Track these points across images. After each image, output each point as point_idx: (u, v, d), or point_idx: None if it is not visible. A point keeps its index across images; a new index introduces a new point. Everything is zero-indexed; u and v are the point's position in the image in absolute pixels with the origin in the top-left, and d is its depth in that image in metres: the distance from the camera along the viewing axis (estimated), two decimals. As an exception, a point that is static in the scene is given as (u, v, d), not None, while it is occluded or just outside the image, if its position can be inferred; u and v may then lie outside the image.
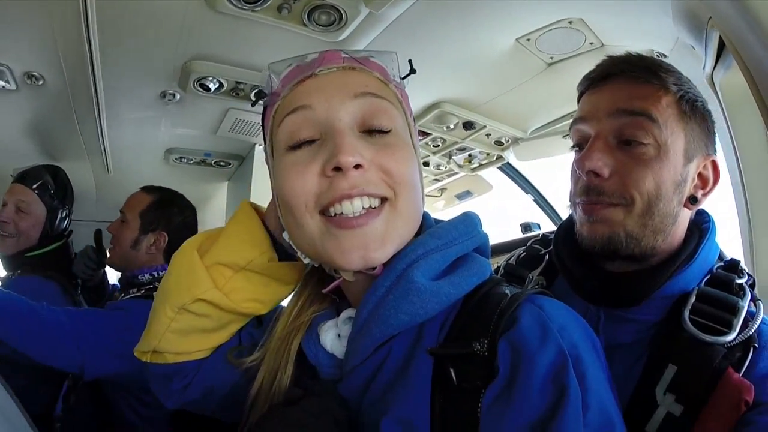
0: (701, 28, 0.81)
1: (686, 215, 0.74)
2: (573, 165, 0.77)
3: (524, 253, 0.94)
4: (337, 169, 0.52)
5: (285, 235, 0.63)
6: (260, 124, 0.67)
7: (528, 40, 1.31)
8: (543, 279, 0.85)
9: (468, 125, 1.84)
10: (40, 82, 1.37)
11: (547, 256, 0.89)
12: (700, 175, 0.73)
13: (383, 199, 0.55)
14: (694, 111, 0.71)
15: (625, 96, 0.71)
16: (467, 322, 0.53)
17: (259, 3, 1.09)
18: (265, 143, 0.64)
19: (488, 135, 1.93)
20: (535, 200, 2.37)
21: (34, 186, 1.63)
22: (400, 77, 0.63)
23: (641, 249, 0.70)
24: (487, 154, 2.12)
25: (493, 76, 1.53)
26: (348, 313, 0.61)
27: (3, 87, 1.37)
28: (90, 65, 1.27)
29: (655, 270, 0.71)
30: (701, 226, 0.75)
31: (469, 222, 0.62)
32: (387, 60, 0.62)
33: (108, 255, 1.53)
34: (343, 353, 0.59)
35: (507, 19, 1.24)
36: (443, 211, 2.75)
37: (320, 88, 0.56)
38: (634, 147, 0.70)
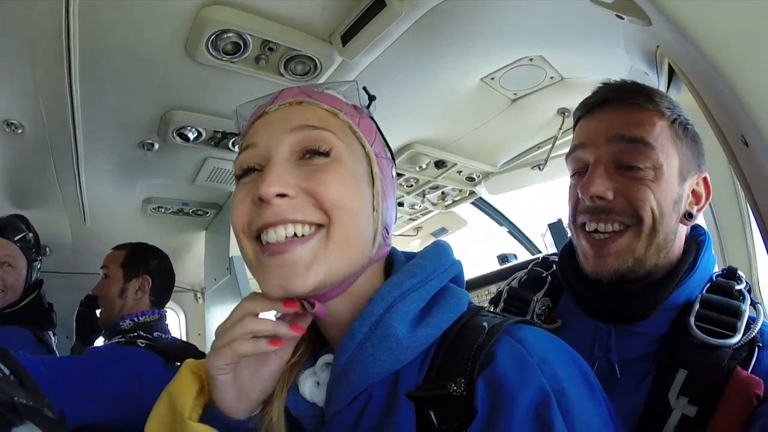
0: (651, 55, 0.89)
1: (683, 231, 0.77)
2: (571, 189, 0.81)
3: (526, 276, 0.95)
4: (261, 199, 0.53)
5: None
6: None
7: (492, 78, 1.41)
8: (549, 300, 0.88)
9: (440, 164, 1.92)
10: (19, 131, 1.37)
11: (549, 277, 0.91)
12: (693, 192, 0.77)
13: (319, 226, 0.54)
14: (685, 133, 0.76)
15: (623, 122, 0.75)
16: (445, 360, 0.52)
17: (237, 54, 1.15)
18: None
19: (459, 172, 2.01)
20: (509, 232, 2.44)
21: (16, 239, 1.59)
22: (364, 106, 0.64)
23: (645, 269, 0.73)
24: (460, 191, 2.19)
25: (461, 115, 1.62)
26: (325, 359, 0.60)
27: (-20, 134, 1.35)
28: (71, 115, 1.28)
29: (660, 283, 0.74)
30: (698, 239, 0.80)
31: (442, 252, 0.61)
32: (348, 91, 0.64)
33: (99, 317, 1.55)
34: (323, 401, 0.57)
35: (471, 61, 1.33)
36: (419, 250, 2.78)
37: (266, 126, 0.59)
38: (634, 171, 0.73)
